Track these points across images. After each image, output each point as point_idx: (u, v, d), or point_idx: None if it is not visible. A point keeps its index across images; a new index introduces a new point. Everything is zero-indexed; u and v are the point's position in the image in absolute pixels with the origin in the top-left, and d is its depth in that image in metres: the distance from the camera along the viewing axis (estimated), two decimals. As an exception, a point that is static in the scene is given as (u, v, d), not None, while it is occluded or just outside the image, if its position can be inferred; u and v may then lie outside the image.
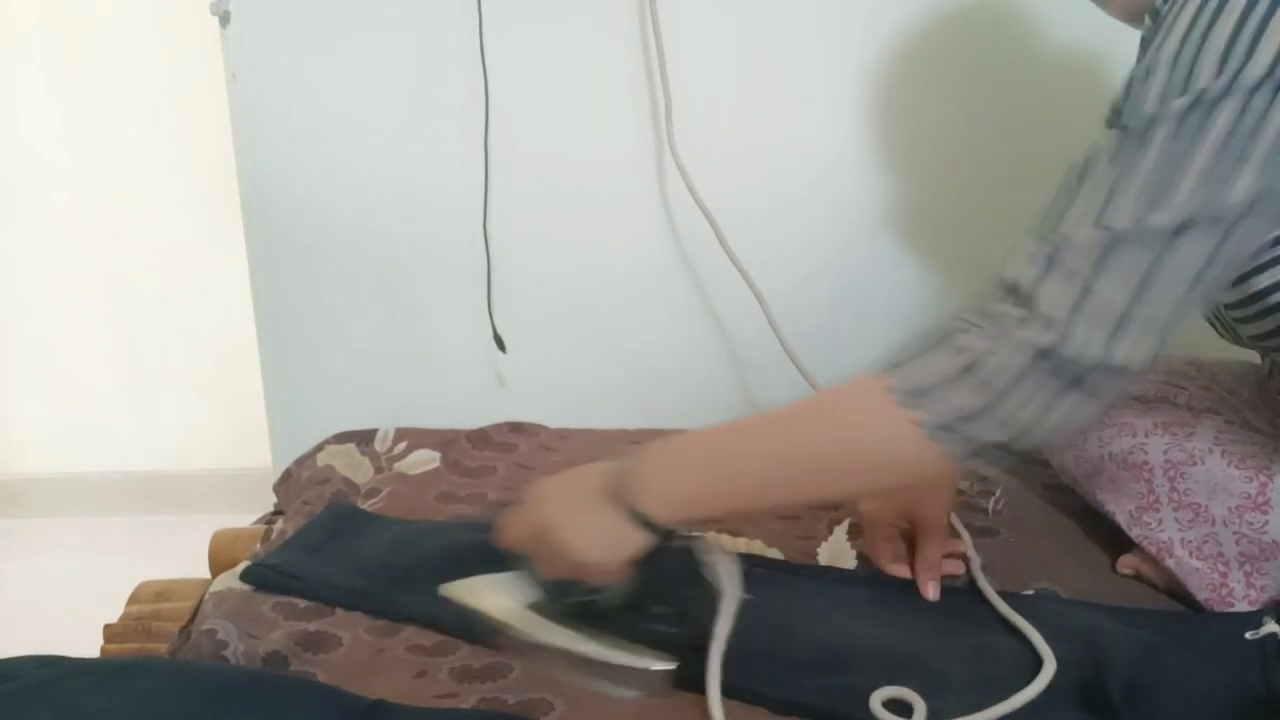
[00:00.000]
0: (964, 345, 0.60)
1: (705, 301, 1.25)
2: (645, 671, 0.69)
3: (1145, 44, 0.68)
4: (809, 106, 1.19)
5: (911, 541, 0.86)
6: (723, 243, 1.16)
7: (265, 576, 0.87)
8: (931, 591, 0.82)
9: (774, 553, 0.92)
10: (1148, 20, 0.70)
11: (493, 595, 0.73)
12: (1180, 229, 0.56)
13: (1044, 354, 0.57)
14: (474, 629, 0.74)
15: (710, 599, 0.71)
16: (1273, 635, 0.72)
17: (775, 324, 1.16)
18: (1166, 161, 0.57)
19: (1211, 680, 0.69)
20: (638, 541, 0.66)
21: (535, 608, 0.72)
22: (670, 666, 0.68)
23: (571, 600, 0.71)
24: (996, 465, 0.62)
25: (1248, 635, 0.73)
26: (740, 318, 1.22)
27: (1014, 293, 0.60)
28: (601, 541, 0.66)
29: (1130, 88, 0.60)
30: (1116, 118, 0.62)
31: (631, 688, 0.70)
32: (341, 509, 1.00)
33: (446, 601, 0.74)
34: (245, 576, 0.87)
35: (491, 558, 0.74)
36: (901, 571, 0.84)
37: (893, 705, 0.68)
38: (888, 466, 0.63)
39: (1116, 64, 1.12)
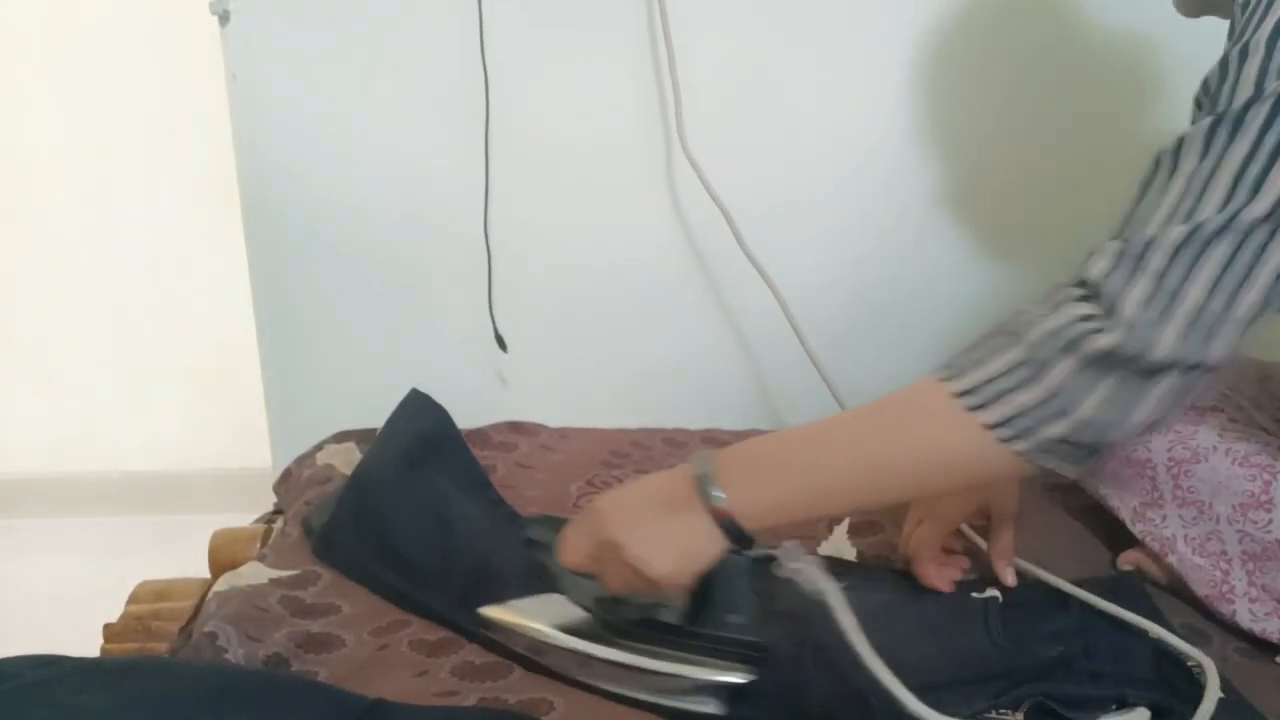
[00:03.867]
0: (1032, 343, 0.58)
1: (712, 300, 1.25)
2: (726, 685, 0.67)
3: (1234, 28, 0.64)
4: (838, 96, 1.18)
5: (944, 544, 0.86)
6: (739, 240, 1.14)
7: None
8: (1010, 578, 0.82)
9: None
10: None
11: (542, 615, 0.71)
12: (1277, 219, 0.55)
13: (1119, 355, 0.56)
14: (523, 650, 0.73)
15: (784, 603, 0.68)
16: (994, 598, 0.77)
17: (795, 324, 1.15)
18: (1263, 148, 0.55)
19: (947, 635, 0.74)
20: (715, 551, 0.64)
21: (588, 626, 0.70)
22: (752, 677, 0.67)
23: (632, 617, 0.69)
24: (1073, 463, 0.60)
25: (973, 595, 0.78)
26: (754, 317, 1.22)
27: (1095, 294, 0.58)
28: (675, 554, 0.65)
29: (1224, 70, 0.58)
30: (1208, 103, 0.59)
31: (713, 700, 0.68)
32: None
33: (487, 623, 0.73)
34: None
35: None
36: (948, 586, 0.82)
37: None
38: (964, 470, 0.63)
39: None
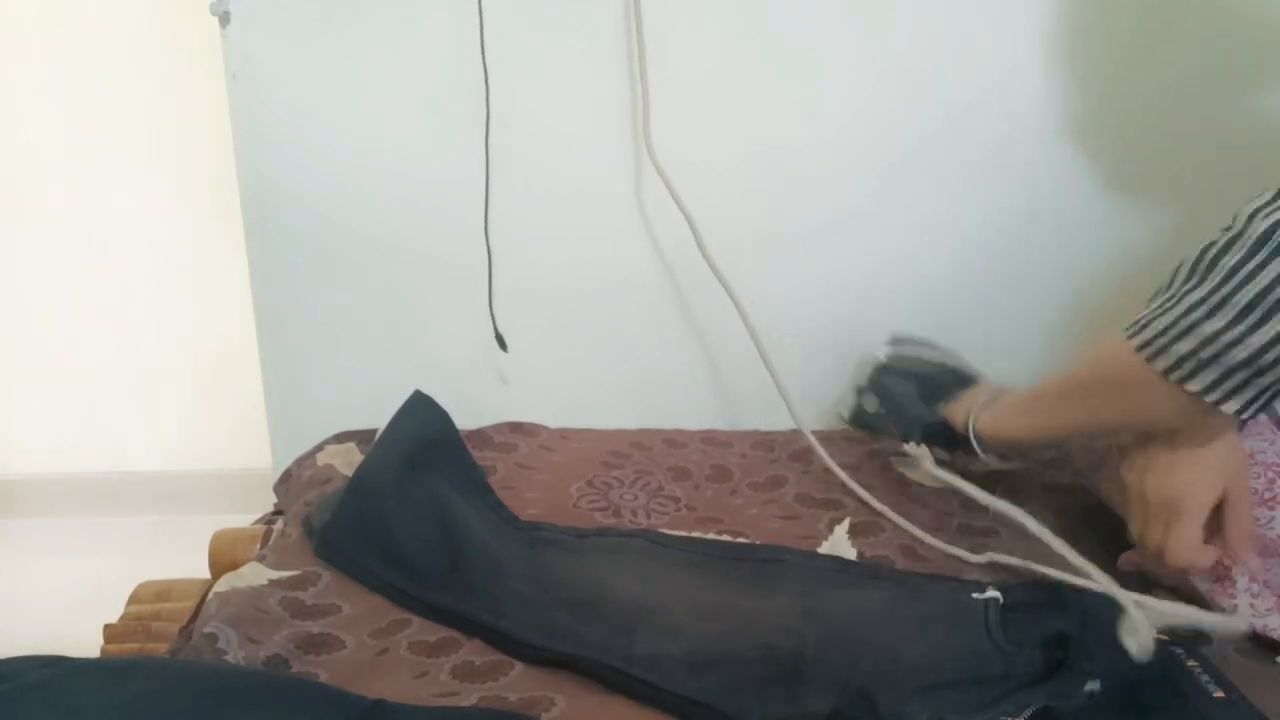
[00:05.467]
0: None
1: (712, 300, 1.24)
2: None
3: None
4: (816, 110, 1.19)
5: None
6: (701, 248, 1.14)
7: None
8: (1254, 562, 0.80)
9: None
10: None
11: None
12: None
13: None
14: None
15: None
16: (994, 598, 0.78)
17: (752, 329, 1.15)
18: None
19: (947, 635, 0.74)
20: None
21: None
22: None
23: None
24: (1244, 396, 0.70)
25: (974, 595, 0.78)
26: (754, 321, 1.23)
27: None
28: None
29: None
30: None
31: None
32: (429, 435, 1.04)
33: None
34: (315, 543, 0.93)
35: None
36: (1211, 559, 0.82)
37: None
38: (1156, 415, 0.78)
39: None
